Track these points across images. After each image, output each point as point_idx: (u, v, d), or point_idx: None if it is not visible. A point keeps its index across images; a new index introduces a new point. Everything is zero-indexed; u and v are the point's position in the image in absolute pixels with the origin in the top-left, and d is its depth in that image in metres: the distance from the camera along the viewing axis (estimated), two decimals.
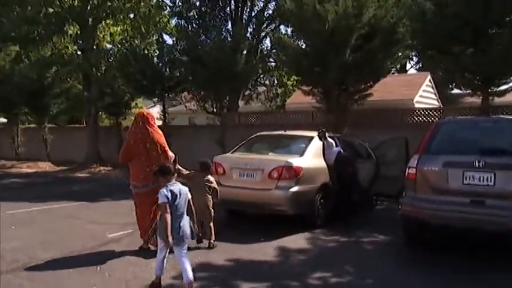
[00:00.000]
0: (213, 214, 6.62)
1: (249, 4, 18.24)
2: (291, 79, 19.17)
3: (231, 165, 7.70)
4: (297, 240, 6.87)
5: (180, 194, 4.62)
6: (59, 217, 8.59)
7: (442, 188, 5.68)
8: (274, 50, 15.45)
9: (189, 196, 4.77)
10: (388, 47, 11.30)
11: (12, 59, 18.41)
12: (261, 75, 19.02)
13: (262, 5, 18.25)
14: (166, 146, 6.22)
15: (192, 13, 17.88)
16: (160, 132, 6.29)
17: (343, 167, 8.15)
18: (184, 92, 15.86)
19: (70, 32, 17.96)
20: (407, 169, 6.00)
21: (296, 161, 7.34)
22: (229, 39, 14.67)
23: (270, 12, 18.32)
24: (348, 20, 10.67)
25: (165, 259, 4.81)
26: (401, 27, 11.09)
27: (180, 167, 6.25)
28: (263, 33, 18.61)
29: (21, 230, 7.45)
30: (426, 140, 6.01)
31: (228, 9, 18.12)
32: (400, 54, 12.83)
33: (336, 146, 8.37)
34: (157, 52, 15.41)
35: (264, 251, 6.31)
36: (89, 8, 17.13)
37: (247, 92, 19.52)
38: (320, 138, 8.12)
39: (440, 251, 6.25)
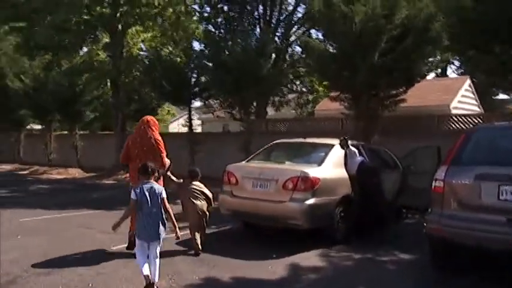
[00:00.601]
0: (204, 220, 6.48)
1: (278, 8, 17.76)
2: (322, 85, 18.53)
3: (243, 174, 7.22)
4: (312, 258, 6.29)
5: (149, 193, 4.77)
6: (71, 226, 8.34)
7: (473, 204, 4.96)
8: (303, 55, 14.84)
9: (163, 196, 4.85)
10: (421, 46, 10.50)
11: (44, 66, 18.66)
12: (291, 81, 18.46)
13: (291, 9, 17.73)
14: (163, 152, 6.32)
15: (220, 18, 17.59)
16: (159, 138, 6.36)
17: (367, 177, 7.50)
18: (210, 98, 15.50)
19: (100, 39, 18.00)
20: (433, 182, 5.31)
21: (313, 171, 6.77)
22: (254, 43, 14.16)
23: (300, 15, 17.84)
24: (376, 21, 10.00)
25: (150, 259, 4.80)
26: (435, 23, 10.25)
27: (171, 175, 6.46)
28: (292, 38, 18.07)
29: (26, 239, 7.20)
30: (456, 149, 5.31)
31: (256, 13, 17.74)
32: (438, 57, 12.04)
33: (360, 155, 7.74)
34: (182, 58, 15.12)
35: (275, 269, 5.77)
36: (118, 15, 17.15)
37: (277, 99, 18.96)
38: (342, 147, 7.52)
39: (469, 273, 5.52)
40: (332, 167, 7.18)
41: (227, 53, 13.13)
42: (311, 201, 6.61)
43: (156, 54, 15.40)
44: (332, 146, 7.56)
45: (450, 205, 5.13)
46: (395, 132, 12.34)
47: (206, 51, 14.18)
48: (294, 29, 18.05)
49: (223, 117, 15.86)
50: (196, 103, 17.19)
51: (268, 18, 17.55)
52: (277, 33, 17.66)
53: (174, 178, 6.61)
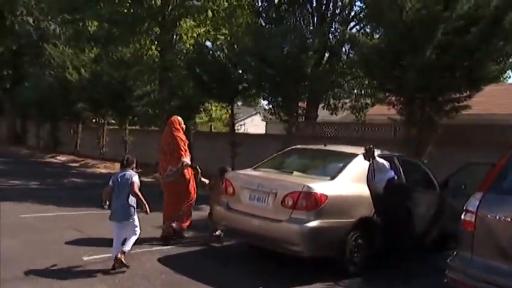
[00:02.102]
0: None
1: (332, 1, 16.20)
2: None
3: (241, 184, 6.05)
4: None
5: (121, 179, 5.54)
6: (63, 226, 7.66)
7: None
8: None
9: (133, 180, 5.50)
10: (489, 41, 8.66)
11: (93, 59, 18.63)
12: (345, 82, 16.84)
13: (347, 1, 15.99)
14: (183, 150, 6.96)
15: (271, 13, 16.43)
16: (183, 138, 7.06)
17: (396, 197, 6.03)
18: (254, 96, 14.43)
19: (151, 33, 17.57)
20: (463, 214, 3.83)
21: (320, 186, 5.44)
22: (308, 39, 12.84)
23: (358, 9, 16.16)
24: (431, 9, 8.36)
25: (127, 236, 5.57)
26: (510, 12, 8.38)
27: (201, 177, 7.22)
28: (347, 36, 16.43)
29: (4, 241, 6.52)
30: (498, 170, 3.78)
31: (308, 7, 16.31)
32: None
33: (391, 168, 6.28)
34: (226, 52, 14.16)
35: None
36: (169, 7, 16.60)
37: (332, 101, 17.48)
38: (366, 158, 6.11)
39: None
40: (348, 181, 5.79)
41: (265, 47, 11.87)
42: (314, 223, 5.29)
43: (199, 48, 14.56)
44: (354, 156, 6.17)
45: (483, 250, 3.64)
46: (457, 143, 10.55)
47: (248, 45, 13.06)
48: (351, 25, 16.43)
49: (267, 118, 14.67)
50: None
51: (322, 12, 16.09)
52: (332, 29, 16.13)
53: (203, 180, 7.22)
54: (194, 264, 6.03)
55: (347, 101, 18.59)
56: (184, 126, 7.33)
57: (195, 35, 18.87)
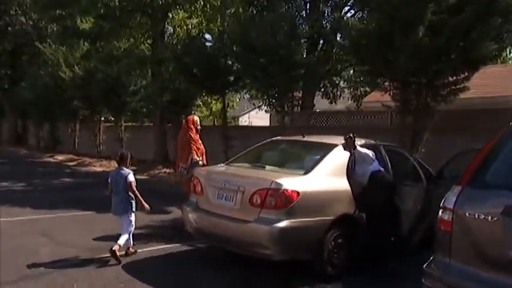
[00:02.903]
0: None
1: None
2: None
3: (209, 181, 5.53)
4: None
5: (118, 176, 5.79)
6: (32, 231, 7.21)
7: (499, 256, 2.88)
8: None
9: (130, 179, 5.71)
10: (486, 19, 8.01)
11: (83, 55, 18.19)
12: (342, 70, 16.17)
13: None
14: (194, 148, 7.51)
15: (262, 0, 15.79)
16: (194, 137, 7.59)
17: (380, 192, 5.47)
18: (245, 87, 13.88)
19: (139, 26, 17.06)
20: (439, 212, 3.27)
21: (291, 182, 4.90)
22: (299, 25, 12.24)
23: None
24: None
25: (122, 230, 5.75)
26: None
27: None
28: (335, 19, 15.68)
29: None
30: (479, 160, 3.21)
31: None
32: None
33: (377, 160, 5.73)
34: (214, 42, 13.61)
35: None
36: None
37: (329, 90, 16.83)
38: (346, 148, 5.56)
39: None
40: (325, 175, 5.23)
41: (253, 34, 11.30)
42: (285, 223, 4.76)
43: (186, 38, 14.02)
44: (332, 147, 5.61)
45: (462, 254, 3.07)
46: (455, 129, 9.94)
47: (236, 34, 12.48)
48: (345, 10, 15.72)
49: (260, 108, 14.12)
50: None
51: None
52: (325, 15, 15.45)
53: None
54: (162, 271, 5.54)
55: (346, 89, 17.91)
56: (198, 125, 7.81)
57: (187, 26, 18.39)
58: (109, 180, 5.90)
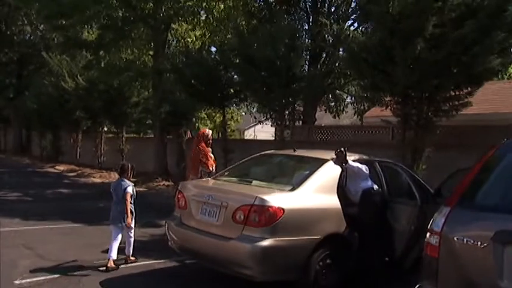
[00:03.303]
0: None
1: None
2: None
3: (192, 195, 5.28)
4: None
5: (117, 187, 5.99)
6: (17, 243, 6.99)
7: (489, 286, 2.59)
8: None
9: (127, 190, 5.90)
10: (490, 34, 7.76)
11: (84, 65, 18.15)
12: (345, 84, 15.92)
13: None
14: (203, 161, 7.62)
15: (263, 13, 15.66)
16: (204, 149, 7.69)
17: (372, 211, 5.18)
18: (245, 100, 13.67)
19: (143, 36, 17.00)
20: (427, 236, 2.99)
21: (276, 198, 4.64)
22: (299, 38, 12.04)
23: (354, 6, 15.16)
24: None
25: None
26: None
27: None
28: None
29: None
30: (469, 179, 2.94)
31: (302, 4, 15.45)
32: None
33: (371, 176, 5.46)
34: (213, 54, 13.47)
35: None
36: (163, 9, 15.99)
37: (332, 104, 16.59)
38: (337, 163, 5.30)
39: None
40: (313, 191, 4.96)
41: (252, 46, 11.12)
42: (268, 241, 4.49)
43: (185, 50, 13.89)
44: (323, 162, 5.35)
45: (449, 283, 2.78)
46: (458, 146, 9.65)
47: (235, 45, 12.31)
48: (348, 24, 15.52)
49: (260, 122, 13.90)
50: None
51: (317, 10, 15.19)
52: (327, 28, 15.21)
53: None
54: None
55: (349, 103, 17.66)
56: (210, 138, 7.94)
57: (190, 39, 18.32)
58: (111, 190, 6.11)
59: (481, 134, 9.73)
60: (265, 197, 4.58)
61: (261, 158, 6.22)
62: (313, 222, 4.81)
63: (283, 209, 4.55)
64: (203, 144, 7.79)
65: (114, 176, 18.09)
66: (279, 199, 4.63)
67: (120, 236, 5.94)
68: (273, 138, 12.81)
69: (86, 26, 16.29)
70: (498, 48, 8.20)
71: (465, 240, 2.69)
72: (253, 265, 4.51)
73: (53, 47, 24.30)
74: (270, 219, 4.50)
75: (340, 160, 5.30)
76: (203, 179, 5.95)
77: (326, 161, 5.35)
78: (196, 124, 28.18)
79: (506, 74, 15.36)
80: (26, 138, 31.51)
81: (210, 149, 7.92)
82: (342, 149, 5.30)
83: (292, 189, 4.89)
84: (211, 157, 7.79)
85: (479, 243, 2.62)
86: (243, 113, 31.19)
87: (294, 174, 5.42)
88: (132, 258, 6.09)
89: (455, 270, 2.75)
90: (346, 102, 17.54)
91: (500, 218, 2.60)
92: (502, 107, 10.93)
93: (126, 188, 5.91)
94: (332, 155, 5.50)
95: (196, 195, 5.22)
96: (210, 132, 8.22)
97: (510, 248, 2.50)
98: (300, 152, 5.94)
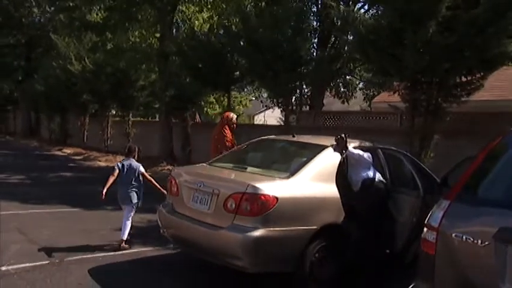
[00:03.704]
0: None
1: None
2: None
3: (184, 182, 5.06)
4: None
5: (126, 168, 6.00)
6: (10, 228, 6.84)
7: None
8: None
9: (141, 170, 6.05)
10: (503, 14, 7.35)
11: (90, 48, 17.93)
12: (354, 69, 15.50)
13: None
14: (226, 142, 7.33)
15: None
16: (227, 133, 7.45)
17: (372, 202, 4.92)
18: (250, 84, 13.37)
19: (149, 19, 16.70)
20: (424, 231, 2.73)
21: (269, 186, 4.39)
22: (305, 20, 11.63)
23: None
24: None
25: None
26: None
27: None
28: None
29: None
30: (471, 170, 2.66)
31: None
32: None
33: (373, 164, 5.18)
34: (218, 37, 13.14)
35: None
36: None
37: (341, 90, 16.20)
38: (337, 150, 5.03)
39: None
40: (310, 179, 4.70)
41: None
42: (261, 231, 4.26)
43: (190, 32, 13.58)
44: (321, 148, 5.07)
45: (446, 283, 2.52)
46: (468, 133, 9.27)
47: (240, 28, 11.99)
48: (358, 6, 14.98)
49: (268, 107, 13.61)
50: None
51: None
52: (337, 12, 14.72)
53: None
54: (130, 278, 5.10)
55: (358, 88, 17.23)
56: (234, 123, 7.69)
57: (197, 21, 17.98)
58: (117, 169, 6.03)
59: (492, 121, 9.34)
60: (257, 184, 4.34)
61: (259, 144, 5.97)
62: (309, 211, 4.56)
63: (276, 198, 4.30)
64: (228, 128, 7.59)
65: (120, 159, 18.01)
66: (273, 187, 4.39)
67: (132, 215, 6.08)
68: (279, 124, 12.44)
69: (91, 8, 15.96)
70: None
71: (464, 237, 2.42)
72: (244, 256, 4.29)
73: (59, 28, 24.14)
74: (262, 208, 4.26)
75: (341, 147, 5.02)
76: (197, 165, 5.70)
77: (325, 147, 5.08)
78: (205, 108, 28.02)
79: None
80: (35, 121, 31.58)
81: (232, 134, 7.65)
82: (343, 135, 5.03)
83: (288, 177, 4.63)
84: (232, 141, 7.52)
85: (479, 241, 2.36)
86: (253, 98, 30.85)
87: (291, 160, 5.15)
88: (126, 245, 5.98)
89: (453, 270, 2.49)
90: (355, 88, 17.10)
91: (503, 214, 2.33)
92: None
93: (139, 168, 6.02)
94: (332, 141, 5.22)
95: (188, 181, 4.99)
96: (235, 116, 7.93)
97: None
98: (299, 138, 5.67)
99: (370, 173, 5.14)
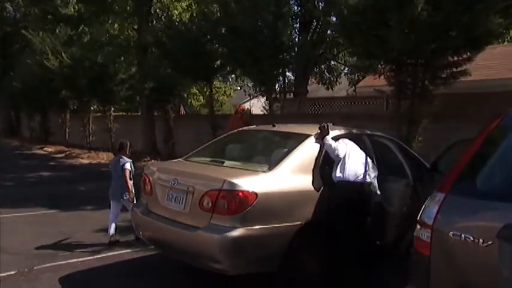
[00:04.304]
0: None
1: None
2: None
3: (157, 179, 4.69)
4: None
5: (115, 164, 6.19)
6: None
7: None
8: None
9: (125, 167, 6.04)
10: None
11: (65, 41, 17.32)
12: (337, 54, 15.16)
13: None
14: None
15: None
16: (236, 122, 7.36)
17: (338, 211, 4.52)
18: (232, 73, 12.98)
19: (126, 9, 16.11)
20: (416, 229, 2.41)
21: (247, 181, 4.04)
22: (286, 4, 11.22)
23: None
24: None
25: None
26: None
27: None
28: None
29: None
30: (467, 159, 2.34)
31: None
32: None
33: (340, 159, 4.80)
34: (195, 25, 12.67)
35: None
36: None
37: (326, 76, 15.85)
38: (319, 139, 4.68)
39: None
40: (292, 172, 4.36)
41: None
42: (239, 230, 3.92)
43: (167, 21, 13.10)
44: (304, 138, 4.73)
45: (443, 287, 2.21)
46: (455, 116, 9.05)
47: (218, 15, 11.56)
48: None
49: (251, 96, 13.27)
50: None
51: None
52: None
53: None
54: (106, 284, 4.75)
55: (343, 74, 16.90)
56: (246, 116, 8.02)
57: (176, 11, 17.48)
58: (109, 168, 6.36)
59: (482, 102, 9.10)
60: (234, 180, 3.99)
61: (238, 135, 5.62)
62: (292, 207, 4.23)
63: (256, 194, 3.96)
64: (241, 120, 7.69)
65: (102, 156, 17.57)
66: (251, 182, 4.04)
67: (118, 212, 6.11)
68: (263, 113, 12.09)
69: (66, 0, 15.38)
70: (501, 5, 7.48)
71: (463, 236, 2.10)
72: (223, 258, 3.95)
73: (32, 22, 23.37)
74: (240, 206, 3.92)
75: (322, 136, 4.67)
76: (173, 161, 5.35)
77: (307, 136, 4.73)
78: (189, 100, 27.53)
79: (508, 37, 14.56)
80: (16, 119, 30.83)
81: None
82: (326, 124, 4.68)
83: (268, 170, 4.29)
84: None
85: (481, 240, 2.04)
86: (238, 88, 30.43)
87: (271, 152, 4.79)
88: (113, 239, 6.03)
89: (450, 273, 2.18)
90: (339, 73, 16.76)
91: (508, 209, 2.02)
92: (505, 72, 10.24)
93: (124, 165, 6.05)
94: (316, 129, 4.88)
95: (161, 179, 4.63)
96: (248, 109, 8.06)
97: None
98: (280, 127, 5.32)
99: (344, 175, 4.60)
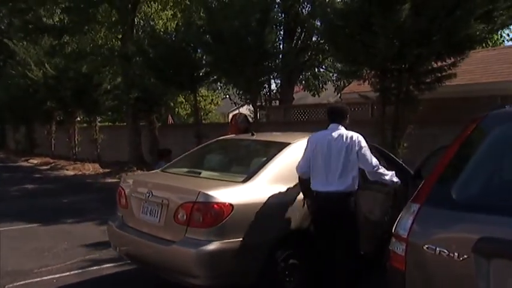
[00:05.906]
0: None
1: None
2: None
3: (132, 192, 4.54)
4: None
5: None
6: None
7: None
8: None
9: None
10: None
11: (47, 51, 17.10)
12: (323, 60, 15.13)
13: None
14: None
15: None
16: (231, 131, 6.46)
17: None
18: (217, 81, 12.86)
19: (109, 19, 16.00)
20: (391, 242, 2.29)
21: (222, 193, 3.91)
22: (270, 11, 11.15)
23: None
24: None
25: None
26: None
27: None
28: None
29: None
30: (444, 165, 2.23)
31: None
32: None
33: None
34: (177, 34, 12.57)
35: None
36: None
37: (312, 82, 15.80)
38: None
39: None
40: (270, 182, 4.22)
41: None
42: (215, 244, 3.78)
43: (150, 30, 12.98)
44: (283, 146, 4.61)
45: None
46: (440, 121, 9.00)
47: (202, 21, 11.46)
48: None
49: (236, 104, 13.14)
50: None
51: None
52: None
53: None
54: None
55: (328, 80, 16.87)
56: (241, 121, 6.95)
57: (161, 21, 17.38)
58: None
59: (467, 106, 9.05)
60: (209, 192, 3.85)
61: (216, 144, 5.48)
62: (270, 218, 4.09)
63: (232, 205, 3.83)
64: (237, 128, 7.21)
65: (88, 167, 17.32)
66: (227, 193, 3.91)
67: None
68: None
69: (47, 9, 15.18)
70: (480, 12, 7.46)
71: (438, 249, 1.98)
72: (199, 273, 3.80)
73: (12, 32, 23.09)
74: (216, 218, 3.79)
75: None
76: (149, 172, 5.20)
77: (287, 145, 4.61)
78: (176, 109, 27.35)
79: (491, 42, 14.66)
80: (1, 132, 30.41)
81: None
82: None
83: (245, 181, 4.16)
84: None
85: (456, 254, 1.92)
86: (226, 96, 30.34)
87: (249, 162, 4.67)
88: None
89: None
90: (324, 80, 16.71)
91: (484, 220, 1.90)
92: (487, 76, 10.25)
93: None
94: (295, 137, 4.76)
95: (136, 191, 4.48)
96: (242, 116, 7.50)
97: (498, 262, 1.81)
98: (259, 136, 5.20)
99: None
